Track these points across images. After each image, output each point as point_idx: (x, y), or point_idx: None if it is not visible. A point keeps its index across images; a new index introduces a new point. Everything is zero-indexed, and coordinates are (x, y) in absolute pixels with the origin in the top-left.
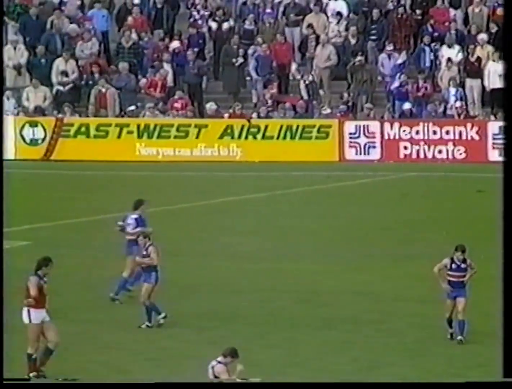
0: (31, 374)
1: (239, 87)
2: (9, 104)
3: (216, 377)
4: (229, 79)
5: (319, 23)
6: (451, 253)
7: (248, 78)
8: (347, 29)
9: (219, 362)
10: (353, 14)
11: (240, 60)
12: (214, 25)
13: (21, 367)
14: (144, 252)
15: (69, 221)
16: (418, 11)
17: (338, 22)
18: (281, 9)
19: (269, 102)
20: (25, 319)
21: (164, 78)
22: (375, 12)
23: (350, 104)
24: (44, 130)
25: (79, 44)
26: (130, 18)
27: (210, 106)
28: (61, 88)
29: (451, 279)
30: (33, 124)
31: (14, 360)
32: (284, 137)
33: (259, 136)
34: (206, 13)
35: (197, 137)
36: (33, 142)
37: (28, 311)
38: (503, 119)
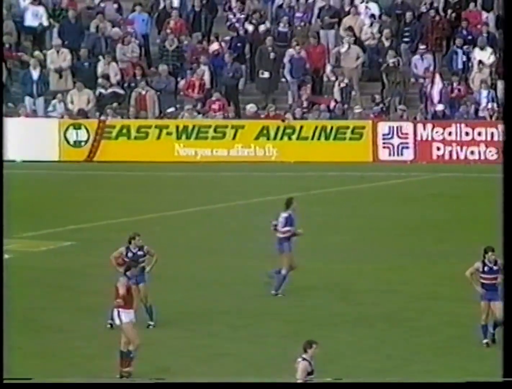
0: (124, 369)
1: (273, 88)
2: (59, 106)
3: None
4: (264, 81)
5: (355, 25)
6: (481, 255)
7: (283, 79)
8: (380, 31)
9: (304, 359)
10: (386, 16)
11: (274, 62)
12: (250, 27)
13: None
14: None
15: (111, 221)
16: (450, 14)
17: (371, 25)
18: (315, 11)
19: (304, 103)
20: (117, 321)
21: (201, 79)
22: (408, 15)
23: (383, 105)
24: (88, 132)
25: (120, 47)
26: (172, 22)
27: (250, 108)
28: (103, 90)
29: (484, 281)
30: (77, 127)
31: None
32: (319, 138)
33: (294, 136)
34: (243, 16)
35: (234, 138)
36: (77, 144)
37: (118, 312)
38: (503, 119)
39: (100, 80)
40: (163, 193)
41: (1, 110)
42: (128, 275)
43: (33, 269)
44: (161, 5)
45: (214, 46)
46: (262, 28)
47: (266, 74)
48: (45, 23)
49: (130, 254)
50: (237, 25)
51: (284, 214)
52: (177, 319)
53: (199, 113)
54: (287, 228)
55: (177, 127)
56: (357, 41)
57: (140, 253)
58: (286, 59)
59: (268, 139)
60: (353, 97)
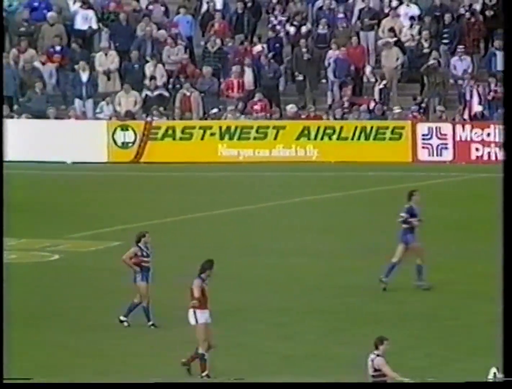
0: (203, 374)
1: (313, 89)
2: (107, 108)
3: (376, 370)
4: (304, 82)
5: (394, 27)
6: None
7: (323, 80)
8: (420, 33)
9: (378, 355)
10: (425, 18)
11: (314, 63)
12: (291, 29)
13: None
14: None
15: (156, 221)
16: (488, 16)
17: (411, 26)
18: (355, 13)
19: (345, 104)
20: (192, 321)
21: (241, 80)
22: (447, 16)
23: (423, 106)
24: (135, 133)
25: (166, 49)
26: (215, 24)
27: (290, 108)
28: (149, 92)
29: None
30: (124, 128)
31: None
32: (359, 138)
33: (334, 137)
34: (284, 18)
35: (275, 138)
36: (124, 145)
37: (194, 312)
38: (503, 119)
39: (146, 82)
40: (207, 193)
41: (1, 110)
42: (202, 277)
43: (83, 269)
44: (205, 8)
45: (257, 47)
46: (303, 29)
47: (306, 75)
48: (94, 26)
49: (144, 253)
50: (278, 27)
51: (406, 206)
52: (219, 317)
53: (241, 113)
54: (410, 219)
55: (220, 128)
56: (397, 43)
57: (149, 251)
58: (329, 60)
59: (308, 139)
60: (392, 98)
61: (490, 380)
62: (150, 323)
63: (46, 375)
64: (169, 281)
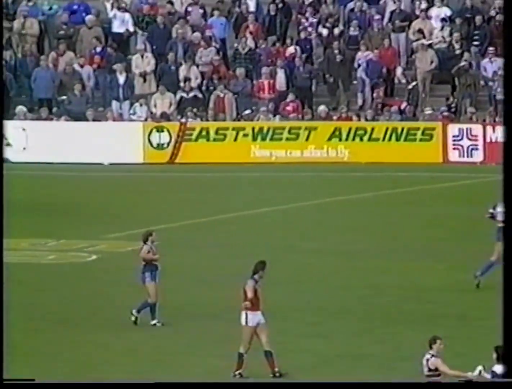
0: (236, 372)
1: (345, 90)
2: (141, 110)
3: (431, 370)
4: (336, 83)
5: (425, 28)
6: None
7: (355, 81)
8: (451, 35)
9: (433, 355)
10: (456, 20)
11: (345, 65)
12: (324, 31)
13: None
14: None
15: (190, 221)
16: None
17: (442, 28)
18: (387, 15)
19: (376, 105)
20: (243, 321)
21: (273, 81)
22: (478, 18)
23: (453, 107)
24: (170, 134)
25: (199, 51)
26: (250, 26)
27: (321, 109)
28: (184, 94)
29: None
30: (160, 129)
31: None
32: (390, 139)
33: (365, 138)
34: (315, 20)
35: (307, 139)
36: (160, 146)
37: (246, 314)
38: (503, 120)
39: (181, 84)
40: (240, 193)
41: (1, 110)
42: (255, 278)
43: (119, 268)
44: (238, 10)
45: (290, 49)
46: (335, 31)
47: (338, 77)
48: (131, 29)
49: (153, 251)
50: (310, 29)
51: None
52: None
53: (273, 115)
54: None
55: (253, 129)
56: (429, 45)
57: (156, 249)
58: (360, 61)
59: (340, 140)
60: (424, 99)
61: (474, 377)
62: (155, 321)
63: (84, 374)
64: (204, 280)
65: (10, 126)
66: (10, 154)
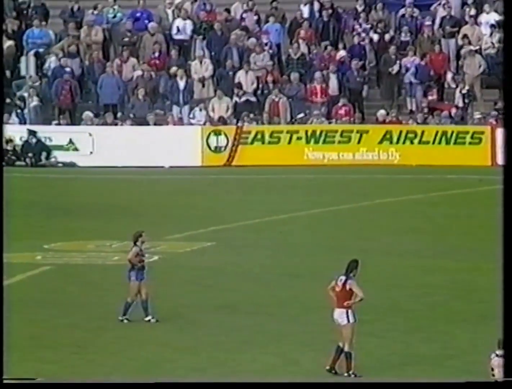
0: (350, 372)
1: (396, 94)
2: (200, 114)
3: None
4: (386, 87)
5: (473, 34)
6: None
7: (405, 86)
8: (500, 41)
9: (496, 355)
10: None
11: (396, 69)
12: (375, 36)
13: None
14: None
15: (247, 222)
16: None
17: (491, 34)
18: (437, 21)
19: (426, 109)
20: (344, 320)
21: (325, 85)
22: None
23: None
24: (227, 138)
25: (252, 56)
26: (302, 31)
27: (380, 113)
28: (239, 99)
29: None
30: (217, 133)
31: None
32: (440, 142)
33: (416, 141)
34: (368, 26)
35: (358, 142)
36: (217, 149)
37: (347, 312)
38: (503, 120)
39: (237, 89)
40: (294, 195)
41: (1, 111)
42: (350, 276)
43: (180, 268)
44: (292, 16)
45: (340, 53)
46: (386, 36)
47: (389, 81)
48: (191, 36)
49: (142, 251)
50: (363, 34)
51: None
52: (299, 314)
53: (326, 118)
54: None
55: (307, 132)
56: (478, 50)
57: (144, 250)
58: (410, 66)
59: (391, 143)
60: (474, 104)
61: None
62: (149, 317)
63: (147, 372)
64: (260, 279)
65: (77, 131)
66: (77, 158)
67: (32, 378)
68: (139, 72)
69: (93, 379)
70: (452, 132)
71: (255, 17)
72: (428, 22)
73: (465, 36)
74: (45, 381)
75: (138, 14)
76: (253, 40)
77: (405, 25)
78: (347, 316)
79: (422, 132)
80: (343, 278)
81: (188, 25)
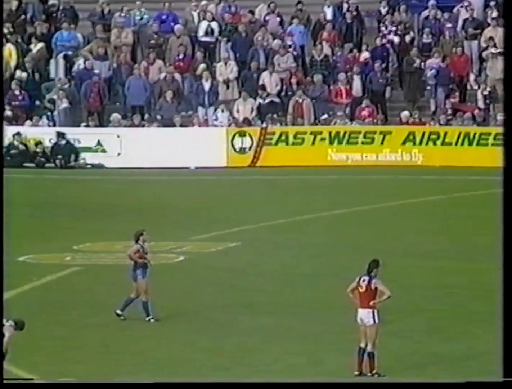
0: (373, 372)
1: (418, 96)
2: (222, 115)
3: None
4: (409, 89)
5: (496, 36)
6: None
7: (428, 87)
8: None
9: None
10: None
11: (419, 70)
12: (397, 38)
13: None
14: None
15: (270, 222)
16: None
17: None
18: (460, 23)
19: (449, 110)
20: (371, 321)
21: (349, 87)
22: None
23: None
24: (251, 139)
25: (276, 57)
26: (325, 33)
27: (404, 115)
28: (263, 100)
29: None
30: (242, 134)
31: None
32: (462, 143)
33: (439, 142)
34: (393, 28)
35: (382, 143)
36: (242, 150)
37: (373, 312)
38: (503, 121)
39: (261, 90)
40: (317, 196)
41: (1, 112)
42: (371, 275)
43: (205, 268)
44: (316, 17)
45: (364, 55)
46: (407, 38)
47: (411, 83)
48: (216, 37)
49: (144, 250)
50: (385, 36)
51: None
52: (323, 314)
53: (350, 119)
54: None
55: (330, 133)
56: (501, 53)
57: (147, 248)
58: (432, 68)
59: (414, 144)
60: (495, 105)
61: None
62: (150, 317)
63: (174, 373)
64: (284, 279)
65: (105, 133)
66: (105, 160)
67: (31, 378)
68: (165, 74)
69: (120, 379)
70: (475, 134)
71: (279, 19)
72: (450, 24)
73: (490, 38)
74: (45, 381)
75: (164, 17)
76: (277, 41)
77: (428, 27)
78: (373, 317)
79: (445, 133)
80: (366, 278)
81: (213, 27)
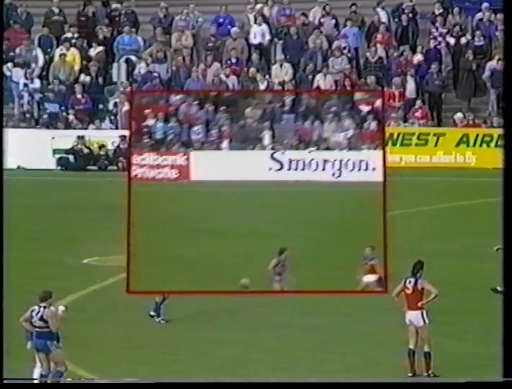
0: (429, 372)
1: (473, 98)
2: None
3: None
4: (464, 91)
5: None
6: None
7: (482, 89)
8: None
9: None
10: None
11: (473, 72)
12: (452, 40)
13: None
14: None
15: None
16: None
17: None
18: None
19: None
20: (420, 321)
21: (402, 88)
22: None
23: None
24: None
25: (331, 59)
26: (379, 35)
27: (458, 116)
28: None
29: None
30: None
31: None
32: None
33: (492, 144)
34: (445, 30)
35: (435, 145)
36: None
37: (422, 314)
38: (503, 121)
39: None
40: None
41: (1, 113)
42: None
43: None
44: (371, 19)
45: (417, 57)
46: (462, 40)
47: (466, 85)
48: (271, 40)
49: None
50: (439, 38)
51: None
52: (376, 314)
53: (404, 121)
54: None
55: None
56: None
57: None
58: (487, 70)
59: (468, 146)
60: None
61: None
62: (160, 318)
63: (234, 373)
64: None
65: None
66: None
67: (32, 378)
68: (222, 76)
69: (182, 379)
70: None
71: (333, 21)
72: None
73: None
74: (45, 381)
75: (221, 20)
76: (331, 44)
77: (482, 29)
78: (423, 318)
79: (499, 136)
80: (412, 279)
81: (268, 29)
